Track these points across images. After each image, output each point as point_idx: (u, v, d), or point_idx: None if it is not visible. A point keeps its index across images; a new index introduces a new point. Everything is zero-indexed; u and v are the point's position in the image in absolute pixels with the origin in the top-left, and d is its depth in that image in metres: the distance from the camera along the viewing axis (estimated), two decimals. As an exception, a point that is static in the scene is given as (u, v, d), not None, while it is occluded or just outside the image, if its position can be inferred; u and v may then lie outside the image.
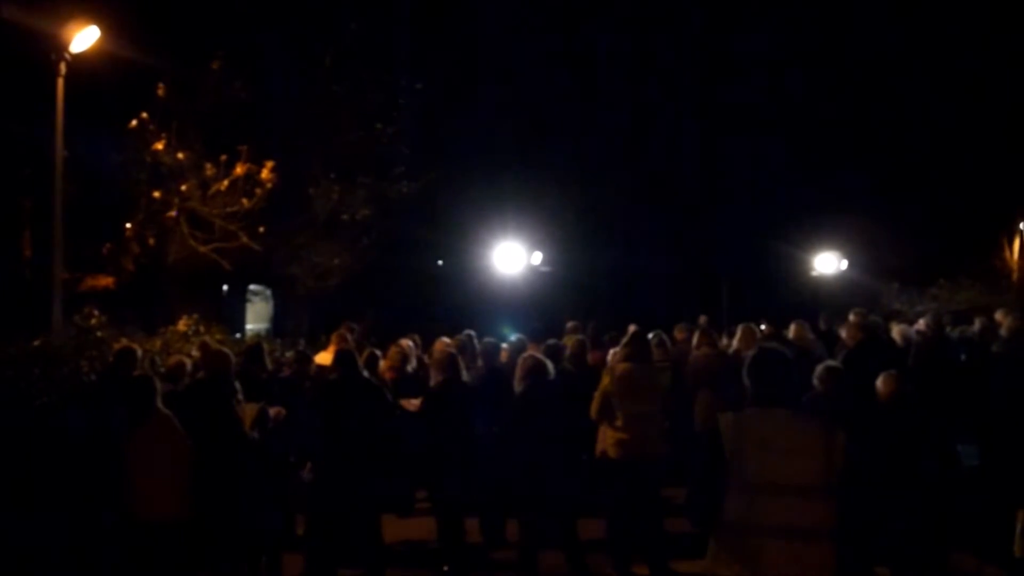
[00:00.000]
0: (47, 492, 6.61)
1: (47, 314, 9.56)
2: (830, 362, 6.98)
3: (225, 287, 18.42)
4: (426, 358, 9.92)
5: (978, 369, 8.18)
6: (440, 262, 24.48)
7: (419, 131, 16.04)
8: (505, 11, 24.30)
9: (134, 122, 11.92)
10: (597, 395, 7.29)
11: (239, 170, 12.61)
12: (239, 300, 19.99)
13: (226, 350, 7.57)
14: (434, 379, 7.65)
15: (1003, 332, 9.07)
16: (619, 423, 7.12)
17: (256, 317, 21.41)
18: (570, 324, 11.05)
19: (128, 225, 12.83)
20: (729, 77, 26.49)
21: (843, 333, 10.02)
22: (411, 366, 9.25)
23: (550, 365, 7.22)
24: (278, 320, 19.89)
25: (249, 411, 6.76)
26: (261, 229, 13.18)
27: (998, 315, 10.12)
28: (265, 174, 12.78)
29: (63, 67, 9.70)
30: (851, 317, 10.23)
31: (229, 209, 12.82)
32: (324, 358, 9.04)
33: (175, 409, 6.16)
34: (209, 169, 12.57)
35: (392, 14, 16.66)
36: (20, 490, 6.65)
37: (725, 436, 3.70)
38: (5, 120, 11.47)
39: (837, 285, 23.46)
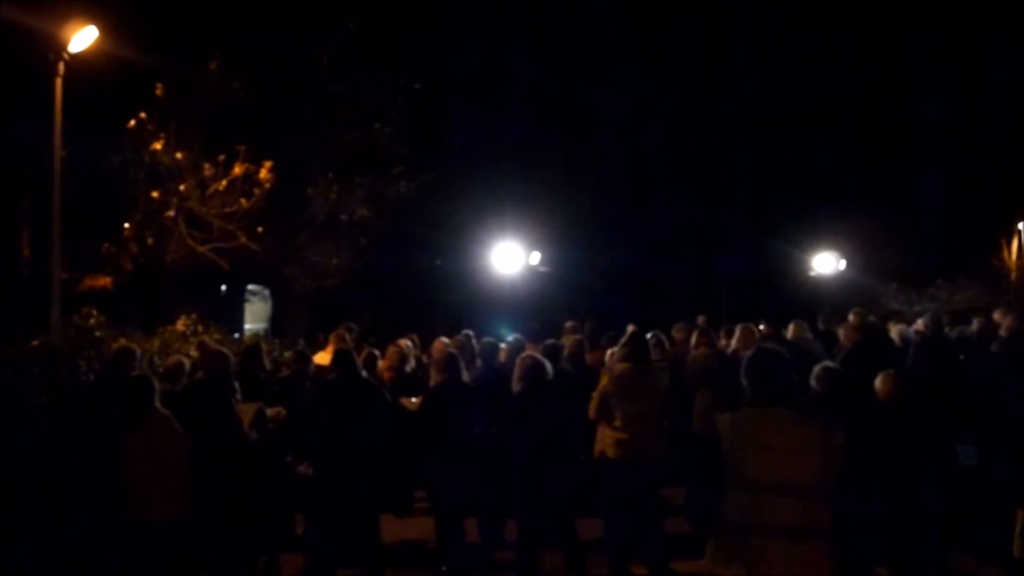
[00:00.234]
0: (46, 493, 6.60)
1: (46, 314, 9.56)
2: (827, 363, 6.98)
3: (223, 287, 18.43)
4: (425, 358, 9.92)
5: (977, 369, 8.19)
6: (439, 262, 24.48)
7: (417, 131, 16.01)
8: (504, 11, 24.33)
9: (132, 122, 11.91)
10: (595, 395, 7.28)
11: (237, 170, 12.61)
12: (237, 300, 20.00)
13: (225, 350, 7.57)
14: (434, 379, 7.64)
15: (1002, 332, 9.07)
16: (617, 423, 7.11)
17: (254, 317, 21.41)
18: (568, 324, 11.04)
19: (126, 225, 12.83)
20: (728, 77, 26.52)
21: (841, 333, 10.03)
22: (410, 366, 9.25)
23: (548, 365, 7.21)
24: (276, 320, 19.87)
25: (247, 411, 6.75)
26: (260, 229, 13.18)
27: (996, 315, 10.12)
28: (263, 174, 12.78)
29: (61, 67, 9.70)
30: (851, 317, 10.24)
31: (228, 209, 12.82)
32: (323, 358, 9.03)
33: (174, 409, 6.16)
34: (207, 169, 12.57)
35: (390, 14, 16.63)
36: (19, 491, 6.64)
37: (723, 436, 3.70)
38: (3, 120, 11.47)
39: (836, 285, 23.49)
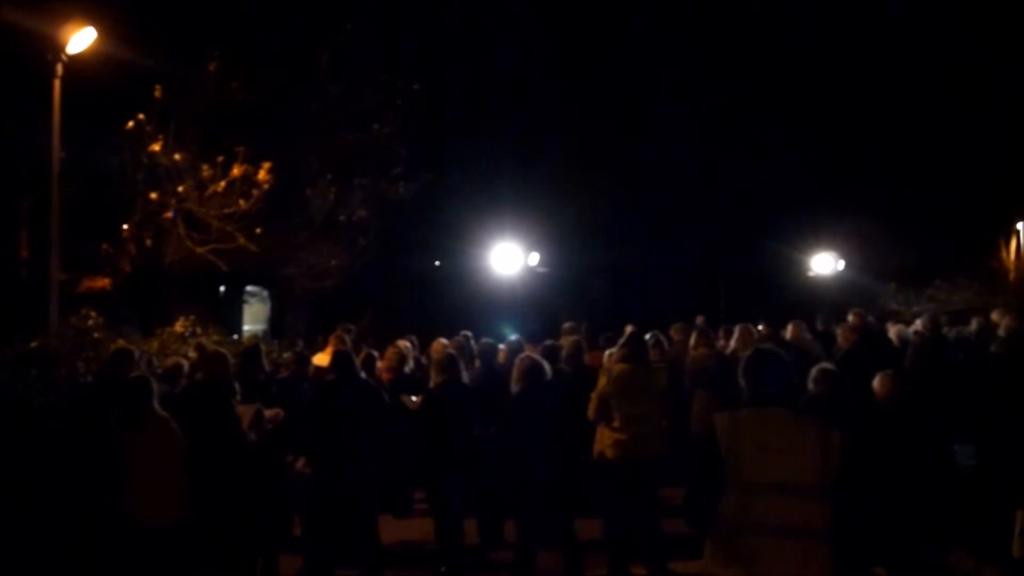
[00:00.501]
0: (45, 494, 6.60)
1: (44, 315, 9.56)
2: (824, 364, 6.98)
3: (222, 288, 18.38)
4: (424, 359, 9.92)
5: (975, 369, 8.19)
6: (437, 263, 24.48)
7: (416, 132, 16.01)
8: (504, 11, 24.30)
9: (131, 123, 11.89)
10: (594, 396, 7.28)
11: (236, 171, 12.60)
12: (236, 301, 19.95)
13: (224, 351, 7.57)
14: (433, 380, 7.64)
15: (1000, 332, 9.08)
16: (616, 424, 7.12)
17: (253, 318, 21.38)
18: (566, 325, 11.04)
19: (125, 226, 12.82)
20: (726, 76, 26.49)
21: (839, 334, 10.03)
22: (409, 367, 9.25)
23: (547, 366, 7.22)
24: (275, 321, 19.86)
25: (245, 412, 6.75)
26: (258, 230, 13.17)
27: (995, 315, 10.13)
28: (262, 175, 12.77)
29: (60, 68, 9.70)
30: (850, 317, 10.25)
31: (226, 210, 12.81)
32: (322, 359, 9.03)
33: (174, 410, 6.16)
34: (206, 170, 12.55)
35: (389, 14, 16.64)
36: (18, 492, 6.64)
37: (721, 436, 3.71)
38: (2, 121, 11.45)
39: (834, 285, 23.49)
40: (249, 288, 20.08)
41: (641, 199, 26.76)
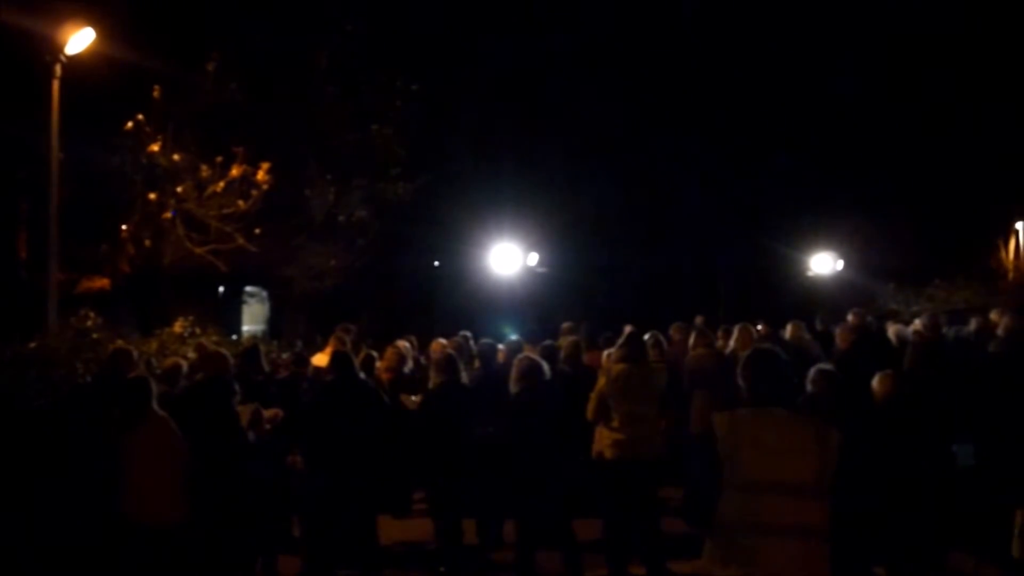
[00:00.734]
0: (44, 494, 6.59)
1: (43, 316, 9.56)
2: (822, 365, 6.97)
3: (221, 289, 18.40)
4: (423, 359, 9.92)
5: (974, 369, 8.18)
6: (436, 263, 24.47)
7: (415, 132, 16.00)
8: (503, 11, 24.28)
9: (130, 124, 11.90)
10: (593, 396, 7.28)
11: (235, 171, 12.60)
12: (235, 302, 19.97)
13: (223, 352, 7.57)
14: (433, 380, 7.64)
15: (1000, 332, 9.07)
16: (615, 424, 7.12)
17: (252, 319, 21.40)
18: (565, 325, 11.05)
19: (124, 227, 12.82)
20: (726, 78, 26.48)
21: (838, 334, 10.02)
22: (408, 367, 9.24)
23: (546, 366, 7.21)
24: (274, 322, 19.89)
25: (242, 412, 6.75)
26: (257, 231, 13.17)
27: (994, 315, 10.12)
28: (261, 175, 12.77)
29: (58, 69, 9.69)
30: (849, 317, 10.24)
31: (225, 210, 12.81)
32: (321, 360, 9.03)
33: (173, 411, 6.15)
34: (205, 171, 12.55)
35: (388, 15, 16.63)
36: (17, 492, 6.64)
37: (720, 436, 3.70)
38: (1, 122, 11.45)
39: (833, 285, 23.49)
40: (248, 288, 20.10)
41: (641, 199, 26.74)
